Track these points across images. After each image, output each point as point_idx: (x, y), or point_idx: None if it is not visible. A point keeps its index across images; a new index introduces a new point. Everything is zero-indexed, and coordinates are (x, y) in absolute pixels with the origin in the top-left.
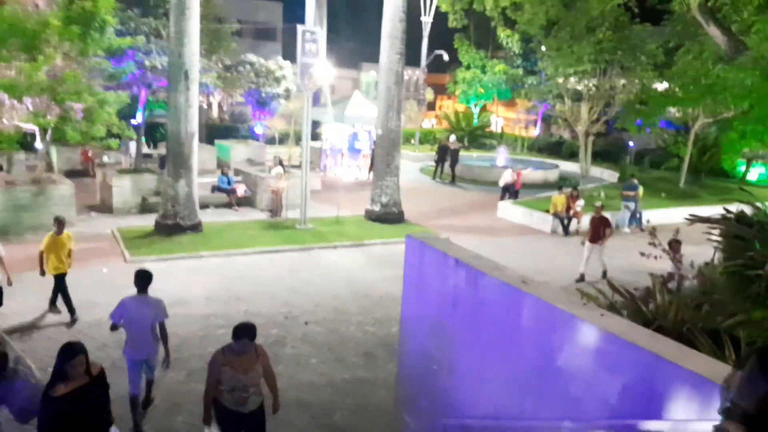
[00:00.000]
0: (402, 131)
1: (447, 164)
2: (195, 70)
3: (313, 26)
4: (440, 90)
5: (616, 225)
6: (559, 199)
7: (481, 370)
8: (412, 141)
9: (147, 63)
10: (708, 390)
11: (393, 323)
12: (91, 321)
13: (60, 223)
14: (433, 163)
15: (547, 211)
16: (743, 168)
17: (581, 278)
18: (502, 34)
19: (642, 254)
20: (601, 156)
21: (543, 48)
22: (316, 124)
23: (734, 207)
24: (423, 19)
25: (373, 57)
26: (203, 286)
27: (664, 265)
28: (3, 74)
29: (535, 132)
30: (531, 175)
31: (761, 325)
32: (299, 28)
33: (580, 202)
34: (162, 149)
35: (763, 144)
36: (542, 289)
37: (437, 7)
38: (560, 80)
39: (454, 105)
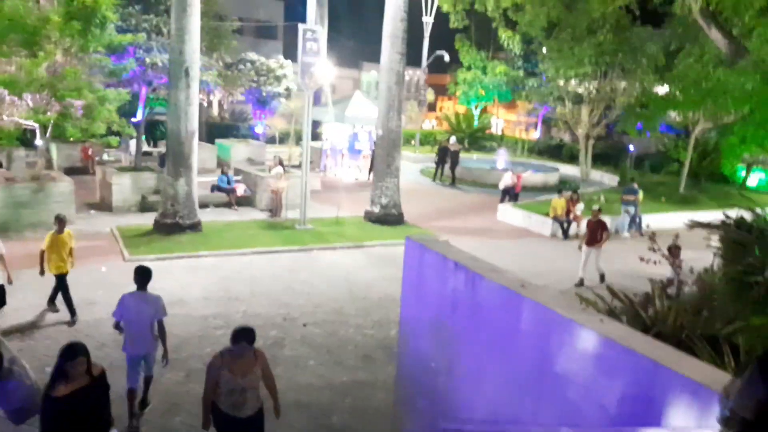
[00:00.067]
0: (402, 132)
1: (447, 166)
2: (196, 68)
3: (315, 25)
4: (441, 91)
5: (616, 230)
6: (558, 202)
7: (479, 373)
8: (413, 142)
9: (147, 60)
10: (707, 397)
11: (392, 325)
12: (90, 320)
13: (61, 222)
14: (433, 165)
15: (547, 215)
16: (743, 173)
17: (580, 282)
18: (503, 35)
19: (641, 259)
20: (601, 159)
21: (544, 50)
22: (316, 124)
23: (734, 212)
24: (424, 19)
25: (375, 57)
26: (202, 286)
27: (664, 271)
28: (3, 70)
29: (535, 135)
30: (531, 178)
31: (761, 331)
32: (300, 26)
33: (580, 206)
34: (162, 147)
35: (764, 149)
36: (541, 293)
37: (438, 8)
38: (561, 82)
39: (455, 106)
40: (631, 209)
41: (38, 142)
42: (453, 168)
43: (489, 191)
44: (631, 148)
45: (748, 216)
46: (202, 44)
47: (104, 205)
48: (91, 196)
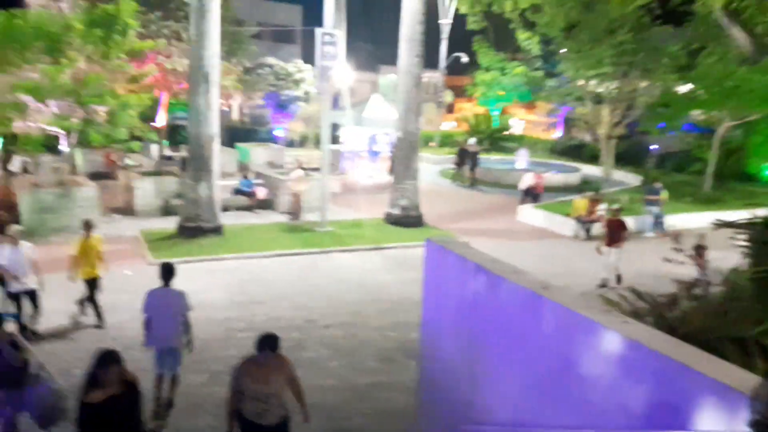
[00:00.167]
0: (421, 134)
1: (467, 167)
2: (215, 73)
3: (332, 29)
4: (460, 92)
5: (639, 230)
6: (580, 202)
7: (501, 376)
8: (431, 144)
9: (168, 66)
10: (735, 400)
11: (412, 328)
12: (115, 323)
13: (89, 227)
14: (453, 166)
15: (569, 215)
16: None
17: (603, 284)
18: (522, 36)
19: (666, 259)
20: (623, 159)
21: (563, 50)
22: (335, 127)
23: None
24: (442, 21)
25: (393, 60)
26: (224, 289)
27: (689, 271)
28: (27, 77)
29: (556, 135)
30: (552, 178)
31: None
32: (317, 30)
33: (602, 206)
34: (184, 152)
35: None
36: (563, 295)
37: (456, 10)
38: (581, 83)
39: (474, 107)
40: (654, 209)
41: (63, 147)
42: (473, 169)
43: (509, 192)
44: (654, 147)
45: None
46: (221, 49)
47: (127, 210)
48: (115, 201)
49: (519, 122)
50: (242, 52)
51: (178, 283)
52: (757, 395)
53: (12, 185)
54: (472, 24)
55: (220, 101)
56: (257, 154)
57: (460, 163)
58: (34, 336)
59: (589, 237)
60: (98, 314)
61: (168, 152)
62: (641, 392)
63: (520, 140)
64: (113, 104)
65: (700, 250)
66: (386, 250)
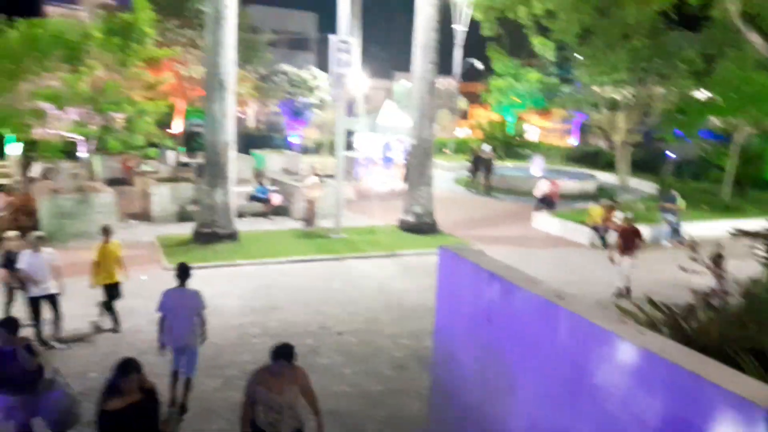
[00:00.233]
0: (435, 141)
1: (481, 174)
2: (231, 80)
3: (347, 36)
4: (474, 99)
5: (655, 238)
6: (596, 210)
7: (514, 385)
8: (445, 150)
9: (184, 73)
10: (753, 413)
11: (426, 335)
12: (130, 327)
13: (107, 232)
14: (467, 173)
15: (584, 223)
16: None
17: (619, 293)
18: (536, 42)
19: (682, 269)
20: (639, 166)
21: (577, 56)
22: (349, 134)
23: None
24: (456, 27)
25: (407, 66)
26: (239, 295)
27: (706, 281)
28: (47, 85)
29: (571, 141)
30: (567, 185)
31: None
32: (332, 38)
33: (618, 214)
34: (200, 158)
35: None
36: (578, 304)
37: (470, 16)
38: (596, 89)
39: (488, 114)
40: (671, 217)
41: (81, 154)
42: (487, 176)
43: (524, 199)
44: (670, 154)
45: None
46: (236, 57)
47: (144, 215)
48: (132, 207)
49: (534, 129)
50: (258, 59)
51: (193, 287)
52: None
53: (32, 191)
54: (487, 30)
55: (235, 108)
56: (272, 160)
57: (474, 170)
58: (58, 341)
59: (605, 245)
60: (114, 319)
61: (184, 159)
62: (656, 404)
63: (535, 147)
64: (130, 111)
65: (717, 260)
66: (400, 256)
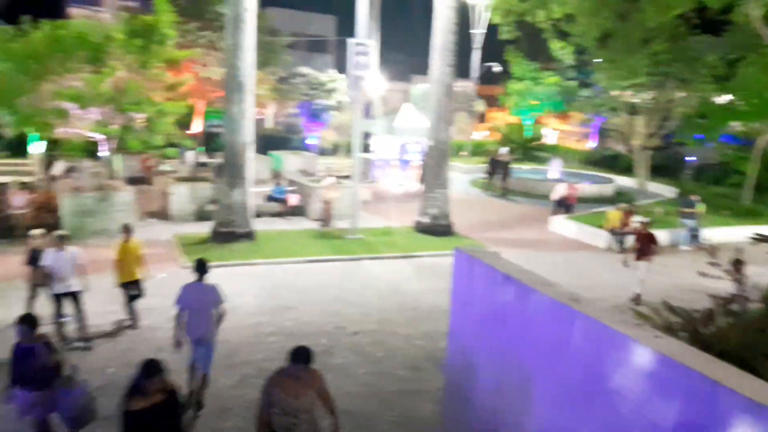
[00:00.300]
0: (452, 143)
1: (498, 177)
2: (250, 82)
3: (365, 39)
4: (492, 102)
5: (674, 243)
6: (614, 214)
7: (528, 388)
8: (462, 153)
9: (204, 75)
10: None
11: (441, 337)
12: (148, 324)
13: (128, 231)
14: (484, 176)
15: (602, 227)
16: None
17: (635, 298)
18: (555, 46)
19: (701, 274)
20: (658, 171)
21: (596, 60)
22: (366, 136)
23: None
24: (474, 31)
25: (425, 69)
26: (255, 294)
27: (725, 286)
28: (70, 85)
29: (589, 145)
30: (585, 189)
31: None
32: (349, 41)
33: (636, 218)
34: (218, 158)
35: None
36: (593, 308)
37: (489, 19)
38: (615, 93)
39: (506, 117)
40: (690, 222)
41: (102, 153)
42: (504, 179)
43: (541, 202)
44: (691, 158)
45: None
46: (256, 59)
47: (163, 214)
48: (151, 205)
49: (552, 132)
50: (277, 61)
51: (211, 282)
52: None
53: (54, 189)
54: (505, 34)
55: (254, 110)
56: (290, 161)
57: (491, 173)
58: (82, 340)
59: (623, 249)
60: (133, 315)
61: (203, 159)
62: (671, 409)
63: (553, 150)
64: (151, 111)
65: (737, 265)
66: (416, 258)
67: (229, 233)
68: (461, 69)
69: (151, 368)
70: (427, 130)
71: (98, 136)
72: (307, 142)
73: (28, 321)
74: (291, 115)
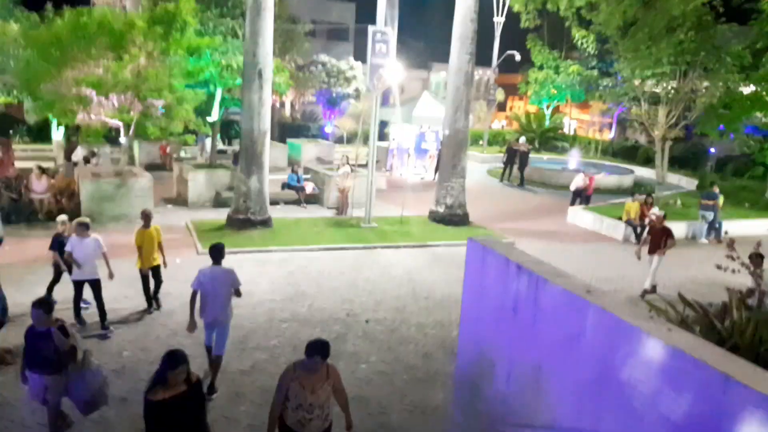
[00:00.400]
0: (470, 132)
1: (516, 166)
2: (268, 70)
3: (384, 27)
4: (512, 90)
5: (693, 235)
6: (632, 205)
7: (539, 378)
8: (481, 142)
9: (223, 62)
10: None
11: (454, 326)
12: (164, 309)
13: (147, 217)
14: (501, 165)
15: (620, 218)
16: None
17: (652, 290)
18: (577, 34)
19: (718, 267)
20: (679, 162)
21: (619, 49)
22: (384, 124)
23: None
24: (495, 19)
25: (444, 57)
26: (270, 280)
27: (743, 280)
28: (92, 72)
29: (609, 135)
30: (604, 180)
31: None
32: (370, 28)
33: (655, 210)
34: (236, 146)
35: None
36: (607, 299)
37: (510, 7)
38: (637, 82)
39: (526, 106)
40: (709, 214)
41: (122, 139)
42: (522, 168)
43: (559, 193)
44: (712, 150)
45: None
46: (275, 46)
47: (180, 200)
48: (169, 192)
49: (571, 122)
50: (296, 49)
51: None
52: None
53: (74, 174)
54: (526, 22)
55: (272, 97)
56: (307, 149)
57: (509, 162)
58: (103, 328)
59: (639, 241)
60: (149, 300)
61: (221, 146)
62: (683, 401)
63: (572, 140)
64: (170, 99)
65: (757, 259)
66: (430, 247)
67: (246, 220)
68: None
69: (175, 359)
70: (445, 118)
71: (118, 123)
72: (325, 130)
73: (43, 305)
74: (309, 103)
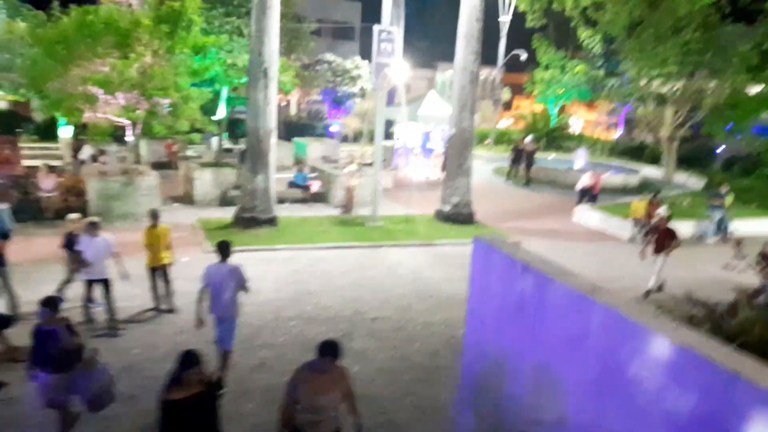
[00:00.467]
0: (476, 131)
1: (522, 166)
2: (274, 69)
3: (390, 26)
4: (518, 90)
5: (700, 235)
6: (639, 205)
7: (545, 377)
8: (487, 141)
9: (229, 61)
10: None
11: (459, 325)
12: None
13: (154, 216)
14: (508, 164)
15: (627, 218)
16: None
17: (658, 289)
18: (583, 34)
19: (725, 267)
20: (686, 162)
21: (625, 49)
22: (389, 123)
23: None
24: (501, 18)
25: (450, 56)
26: (276, 279)
27: (750, 279)
28: (98, 70)
29: (616, 135)
30: (611, 179)
31: None
32: (375, 27)
33: (662, 210)
34: (242, 144)
35: None
36: (612, 298)
37: (516, 7)
38: (643, 82)
39: (532, 105)
40: (717, 214)
41: (128, 138)
42: (528, 168)
43: (565, 192)
44: (720, 150)
45: None
46: (280, 45)
47: (186, 199)
48: (175, 190)
49: (578, 121)
50: (301, 48)
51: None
52: None
53: (81, 173)
54: (532, 21)
55: (278, 96)
56: (313, 148)
57: (515, 162)
58: (111, 328)
59: (645, 241)
60: (156, 298)
61: (227, 144)
62: (689, 399)
63: (579, 139)
64: (176, 97)
65: (764, 259)
66: (436, 246)
67: (252, 219)
68: (487, 56)
69: (190, 359)
70: (450, 117)
71: (124, 121)
72: (330, 129)
73: (50, 303)
74: (314, 102)
